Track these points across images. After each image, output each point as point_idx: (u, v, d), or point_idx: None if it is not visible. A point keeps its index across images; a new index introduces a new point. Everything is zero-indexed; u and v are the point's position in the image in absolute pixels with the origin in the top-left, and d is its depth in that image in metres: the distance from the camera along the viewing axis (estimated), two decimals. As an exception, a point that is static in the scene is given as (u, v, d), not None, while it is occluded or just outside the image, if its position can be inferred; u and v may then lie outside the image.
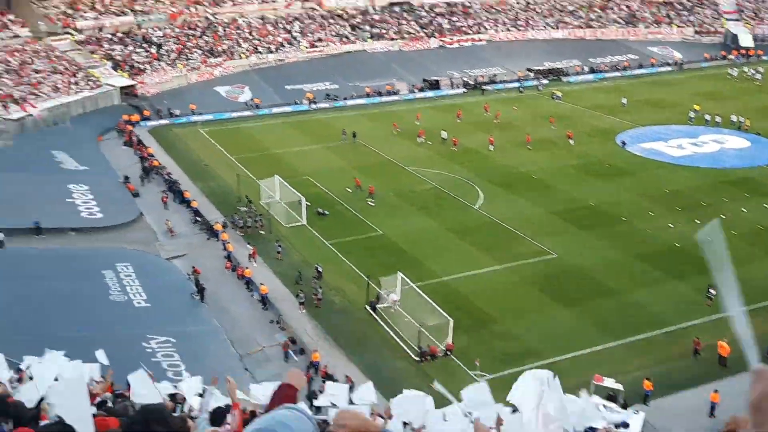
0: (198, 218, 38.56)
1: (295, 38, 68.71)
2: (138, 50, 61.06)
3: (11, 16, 57.54)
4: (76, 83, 53.68)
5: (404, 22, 74.54)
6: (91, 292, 30.08)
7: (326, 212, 38.52)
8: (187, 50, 62.83)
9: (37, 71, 53.06)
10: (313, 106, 58.90)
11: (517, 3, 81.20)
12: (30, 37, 57.03)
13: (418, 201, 40.63)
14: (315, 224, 37.31)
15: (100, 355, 12.36)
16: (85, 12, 62.57)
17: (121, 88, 55.93)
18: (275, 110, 57.62)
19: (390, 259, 33.16)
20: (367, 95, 61.41)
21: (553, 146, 49.36)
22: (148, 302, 29.89)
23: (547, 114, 56.23)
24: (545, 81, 66.15)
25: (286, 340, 27.85)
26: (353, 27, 72.30)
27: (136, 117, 53.20)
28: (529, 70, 68.26)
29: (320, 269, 32.26)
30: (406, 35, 72.59)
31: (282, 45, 67.31)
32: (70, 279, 30.72)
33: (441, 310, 27.63)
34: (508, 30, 76.68)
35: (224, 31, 66.68)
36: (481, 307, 29.94)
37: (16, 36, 56.28)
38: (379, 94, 61.85)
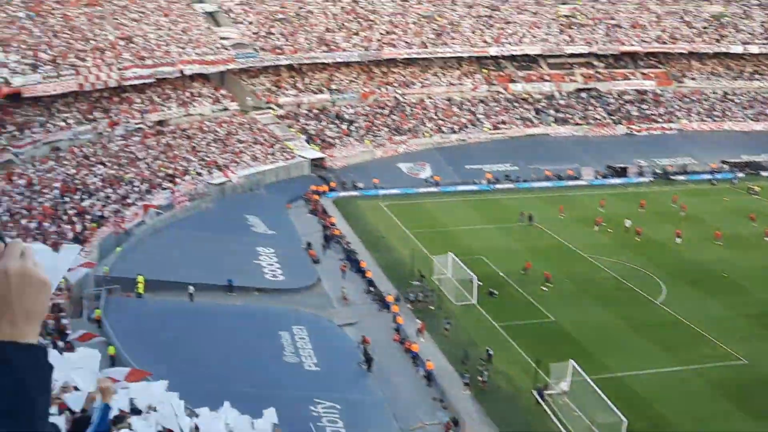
0: (371, 288, 39.52)
1: (478, 120, 69.98)
2: (330, 126, 64.79)
3: (224, 92, 63.42)
4: (273, 154, 57.69)
5: (591, 107, 73.72)
6: (267, 350, 31.54)
7: (496, 293, 38.13)
8: (375, 127, 65.79)
9: (240, 141, 57.73)
10: (492, 186, 59.24)
11: (714, 93, 77.79)
12: (237, 110, 62.42)
13: (594, 290, 39.20)
14: (485, 304, 36.99)
15: (271, 413, 12.84)
16: (287, 90, 67.67)
17: (312, 160, 59.35)
18: (454, 188, 58.50)
19: (561, 348, 31.99)
20: (547, 178, 60.85)
21: (748, 244, 45.98)
22: (318, 366, 30.80)
23: (741, 209, 52.70)
24: (741, 174, 62.26)
25: (449, 421, 27.47)
26: (537, 111, 72.55)
27: (323, 187, 56.08)
28: (723, 162, 64.64)
29: (491, 352, 31.74)
30: (591, 121, 71.66)
31: (465, 126, 68.74)
32: (249, 336, 32.43)
33: (614, 408, 26.12)
34: (702, 120, 73.47)
35: (411, 110, 69.27)
36: (658, 410, 27.97)
37: (226, 109, 61.84)
38: (560, 178, 61.09)
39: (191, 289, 35.61)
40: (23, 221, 36.40)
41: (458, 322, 35.35)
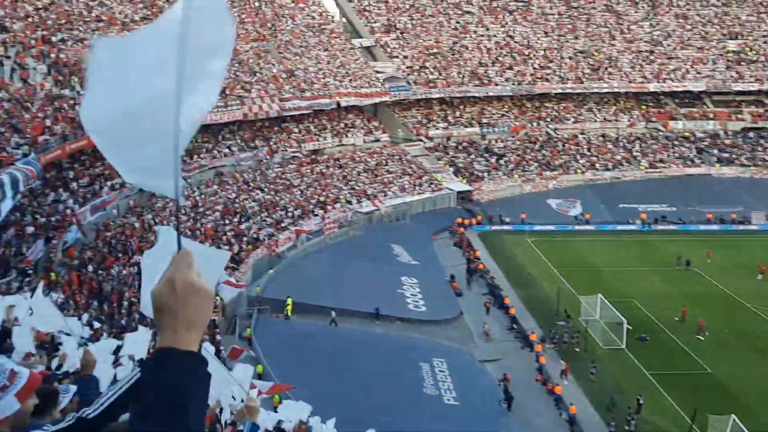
0: (514, 325, 38.77)
1: (634, 157, 67.42)
2: (479, 159, 64.70)
3: (376, 123, 65.08)
4: (420, 185, 58.31)
5: (759, 148, 69.04)
6: (407, 381, 31.60)
7: (647, 338, 36.28)
8: (525, 162, 65.00)
9: (389, 172, 58.85)
10: (647, 227, 56.65)
11: None
12: (388, 141, 63.79)
13: (757, 342, 36.34)
14: (635, 350, 35.25)
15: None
16: (437, 122, 68.45)
17: (459, 192, 59.41)
18: (606, 227, 56.49)
19: (717, 402, 29.84)
20: (708, 221, 57.40)
21: None
22: (458, 401, 30.48)
23: None
24: None
25: (590, 469, 26.30)
26: (699, 150, 68.84)
27: (469, 220, 55.94)
28: None
29: (641, 401, 30.14)
30: (760, 162, 67.04)
31: (620, 163, 66.43)
32: (390, 365, 32.65)
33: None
34: None
35: (563, 146, 67.89)
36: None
37: (377, 140, 63.37)
38: (722, 221, 57.44)
39: (333, 314, 36.50)
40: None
41: (605, 367, 33.88)
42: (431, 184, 59.05)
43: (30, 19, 45.30)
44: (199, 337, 1.67)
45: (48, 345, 12.94)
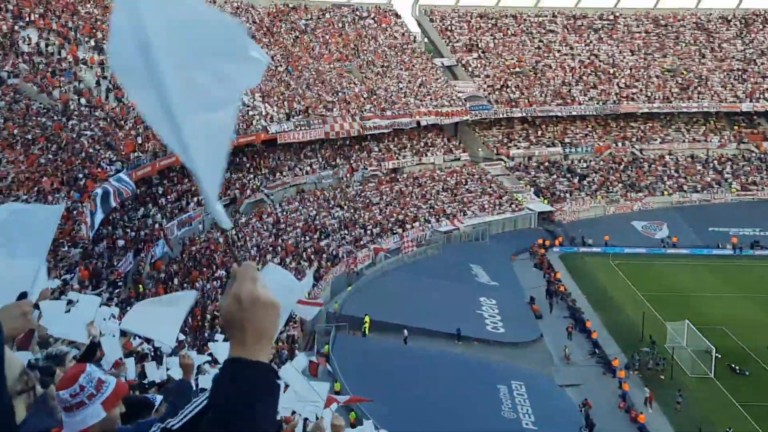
0: (596, 350, 37.74)
1: (725, 179, 64.95)
2: (561, 179, 63.63)
3: (456, 142, 64.96)
4: (500, 205, 57.74)
5: None
6: (485, 403, 31.14)
7: (746, 372, 34.60)
8: (608, 183, 63.55)
9: (469, 191, 58.55)
10: (738, 251, 54.33)
11: None
12: (468, 160, 63.53)
13: None
14: (724, 380, 33.73)
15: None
16: (519, 142, 67.76)
17: (540, 213, 58.55)
18: (694, 251, 54.49)
19: (815, 439, 28.26)
20: (805, 247, 54.62)
21: None
22: (536, 425, 29.81)
23: None
24: None
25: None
26: (795, 172, 65.78)
27: (549, 242, 54.99)
28: None
29: (731, 435, 28.80)
30: None
31: (710, 185, 64.10)
32: (468, 386, 32.23)
33: None
34: None
35: (649, 167, 66.06)
36: None
37: (457, 159, 63.21)
38: (820, 247, 54.58)
39: (405, 332, 36.42)
40: (268, 256, 39.56)
41: (692, 396, 32.53)
42: (511, 204, 58.40)
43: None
44: (267, 348, 1.70)
45: (136, 354, 13.34)
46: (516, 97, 68.20)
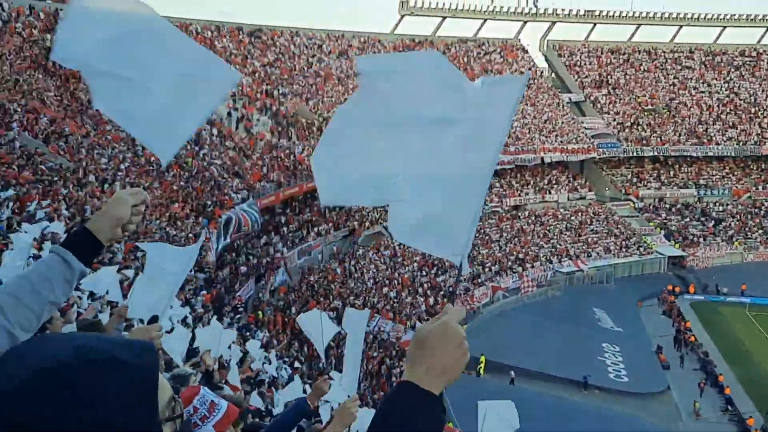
0: (729, 407, 35.12)
1: None
2: (694, 223, 60.38)
3: (582, 180, 63.09)
4: (627, 247, 55.38)
5: None
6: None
7: None
8: (747, 228, 59.72)
9: (594, 232, 56.55)
10: None
11: None
12: (594, 200, 61.46)
13: None
14: None
15: None
16: (649, 182, 65.00)
17: (670, 257, 55.69)
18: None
19: None
20: None
21: None
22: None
23: None
24: None
25: None
26: None
27: (680, 288, 52.09)
28: None
29: None
30: None
31: None
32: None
33: None
34: None
35: (795, 212, 61.63)
36: None
37: (582, 198, 61.30)
38: None
39: (512, 374, 35.24)
40: (384, 289, 39.51)
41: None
42: (639, 246, 55.91)
43: (256, 75, 49.23)
44: (443, 386, 1.71)
45: (253, 380, 13.41)
46: (647, 135, 65.59)
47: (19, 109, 27.65)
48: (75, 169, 26.62)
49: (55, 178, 23.46)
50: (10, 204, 15.74)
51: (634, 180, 65.26)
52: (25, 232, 12.53)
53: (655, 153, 65.33)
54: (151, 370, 1.38)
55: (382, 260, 43.46)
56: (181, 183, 33.52)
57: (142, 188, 2.28)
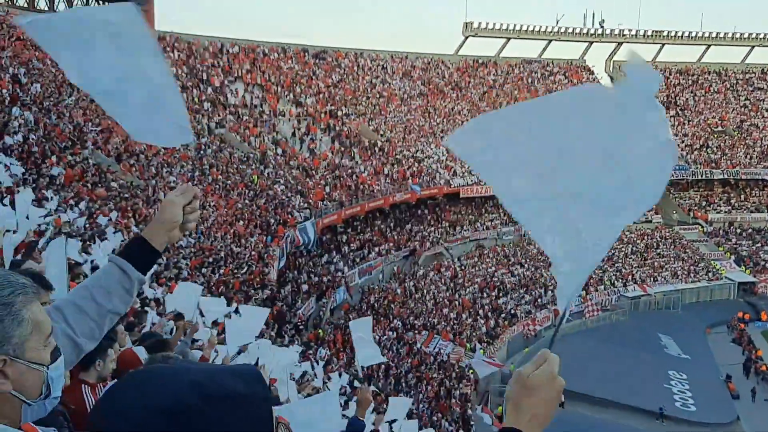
0: (805, 443, 33.56)
1: None
2: (766, 248, 58.27)
3: (647, 203, 61.68)
4: (695, 272, 53.84)
5: None
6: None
7: None
8: (823, 255, 57.32)
9: (660, 256, 55.17)
10: None
11: None
12: (661, 223, 59.99)
13: None
14: None
15: None
16: (719, 205, 63.12)
17: (740, 283, 53.84)
18: None
19: None
20: None
21: None
22: None
23: None
24: None
25: None
26: None
27: (750, 316, 50.24)
28: None
29: None
30: None
31: None
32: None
33: None
34: None
35: None
36: None
37: (648, 221, 59.88)
38: None
39: (562, 397, 34.30)
40: (445, 310, 39.29)
41: None
42: (708, 272, 54.26)
43: (321, 95, 49.94)
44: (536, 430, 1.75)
45: (309, 396, 13.50)
46: (717, 158, 63.81)
47: (93, 128, 28.69)
48: (144, 187, 27.44)
49: (126, 195, 24.21)
50: (84, 220, 16.28)
51: (703, 203, 63.48)
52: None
53: (725, 176, 63.41)
54: (266, 399, 1.40)
55: (443, 281, 43.26)
56: (246, 201, 34.15)
57: (190, 184, 2.29)
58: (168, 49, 44.09)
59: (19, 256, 7.76)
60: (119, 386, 1.37)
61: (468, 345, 36.36)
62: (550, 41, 70.56)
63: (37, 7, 46.53)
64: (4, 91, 23.60)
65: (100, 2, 51.08)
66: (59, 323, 2.04)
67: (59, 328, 2.02)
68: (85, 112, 29.85)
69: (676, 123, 67.63)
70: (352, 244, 41.01)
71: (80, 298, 2.12)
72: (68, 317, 2.07)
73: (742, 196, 63.79)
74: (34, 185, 16.56)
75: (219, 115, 40.77)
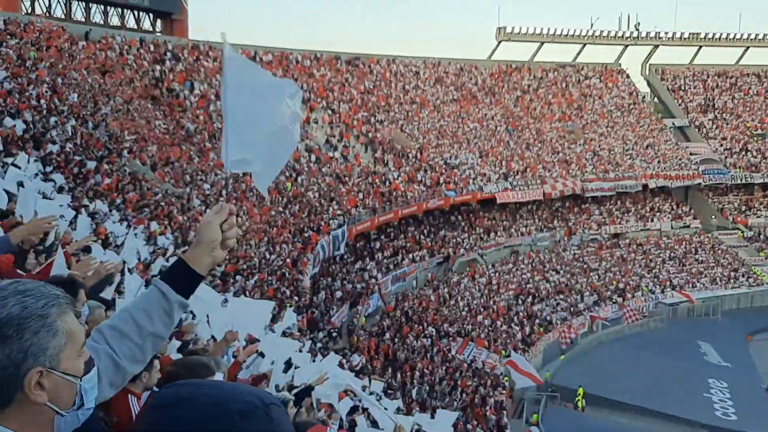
0: None
1: None
2: (809, 253, 56.91)
3: (686, 208, 60.70)
4: (735, 278, 52.78)
5: None
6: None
7: None
8: None
9: (699, 261, 54.18)
10: None
11: None
12: (699, 228, 58.94)
13: None
14: None
15: None
16: (759, 210, 61.83)
17: (785, 289, 52.68)
18: None
19: None
20: None
21: None
22: None
23: None
24: None
25: None
26: None
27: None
28: None
29: None
30: None
31: None
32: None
33: None
34: None
35: None
36: None
37: (687, 226, 58.90)
38: None
39: (584, 402, 33.94)
40: (479, 317, 39.00)
41: None
42: (749, 278, 53.13)
43: (353, 102, 50.04)
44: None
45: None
46: (757, 162, 62.53)
47: (129, 137, 29.06)
48: (180, 195, 27.69)
49: (162, 203, 24.45)
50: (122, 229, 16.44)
51: (743, 208, 62.24)
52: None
53: (766, 180, 62.12)
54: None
55: (477, 288, 42.96)
56: (279, 208, 34.29)
57: (223, 201, 2.30)
58: (202, 57, 44.58)
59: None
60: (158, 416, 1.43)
61: (503, 352, 36.03)
62: (585, 45, 69.90)
63: (74, 18, 47.43)
64: (42, 101, 24.00)
65: (126, 9, 51.90)
66: (101, 344, 2.07)
67: (102, 349, 2.06)
68: (121, 120, 30.26)
69: (715, 126, 66.51)
70: (385, 251, 40.95)
71: (120, 321, 2.13)
72: (109, 340, 2.09)
73: (785, 201, 62.41)
74: (71, 194, 16.76)
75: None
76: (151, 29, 53.36)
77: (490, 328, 38.20)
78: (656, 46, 71.48)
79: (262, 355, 9.07)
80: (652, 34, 71.00)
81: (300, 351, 13.77)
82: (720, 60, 73.75)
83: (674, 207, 60.52)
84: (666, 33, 71.41)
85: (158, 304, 2.15)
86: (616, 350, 41.43)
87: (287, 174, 37.69)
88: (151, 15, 53.71)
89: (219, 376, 4.06)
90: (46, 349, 1.58)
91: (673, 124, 66.57)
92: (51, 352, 1.59)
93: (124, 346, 2.10)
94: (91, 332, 2.11)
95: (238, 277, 24.61)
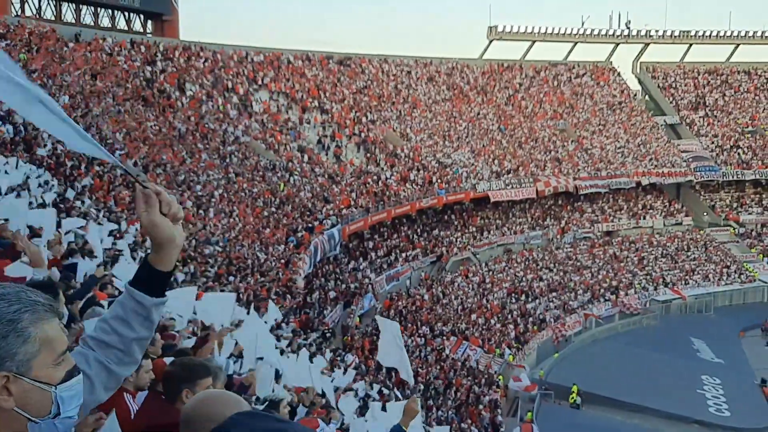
0: None
1: None
2: (801, 249, 57.20)
3: (678, 206, 60.90)
4: (728, 275, 52.99)
5: None
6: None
7: None
8: None
9: (691, 259, 54.38)
10: None
11: None
12: (691, 225, 59.16)
13: None
14: None
15: None
16: (750, 207, 62.11)
17: (774, 285, 52.92)
18: None
19: None
20: None
21: None
22: None
23: None
24: None
25: None
26: None
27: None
28: None
29: None
30: None
31: None
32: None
33: None
34: None
35: None
36: None
37: (679, 223, 59.09)
38: None
39: (579, 399, 34.00)
40: (473, 316, 39.03)
41: None
42: (741, 274, 53.36)
43: (346, 102, 50.00)
44: None
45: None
46: (748, 159, 62.80)
47: (120, 138, 28.97)
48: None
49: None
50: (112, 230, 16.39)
51: (735, 205, 62.50)
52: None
53: (757, 176, 62.38)
54: None
55: (471, 286, 43.00)
56: (272, 209, 34.24)
57: (139, 190, 2.14)
58: (193, 58, 44.46)
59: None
60: None
61: (497, 350, 36.09)
62: (576, 43, 70.04)
63: (64, 20, 47.25)
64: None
65: (117, 11, 51.77)
66: (90, 351, 2.09)
67: (92, 355, 2.07)
68: (113, 121, 30.15)
69: (706, 124, 66.76)
70: (378, 251, 40.94)
71: (102, 332, 2.13)
72: (95, 350, 2.10)
73: (775, 197, 62.69)
74: (62, 196, 16.69)
75: (244, 124, 40.98)
76: (141, 30, 53.19)
77: (483, 327, 38.26)
78: (647, 44, 71.71)
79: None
80: (643, 33, 71.19)
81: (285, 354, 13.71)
82: (710, 57, 74.15)
83: (666, 204, 60.72)
84: (657, 31, 71.65)
85: (133, 310, 2.13)
86: (609, 348, 41.54)
87: (280, 174, 37.66)
88: (141, 16, 53.52)
89: (218, 385, 4.06)
90: (14, 354, 1.57)
91: (665, 121, 66.78)
92: (20, 358, 1.58)
93: (111, 354, 2.10)
94: (79, 341, 2.13)
95: (231, 278, 24.55)
